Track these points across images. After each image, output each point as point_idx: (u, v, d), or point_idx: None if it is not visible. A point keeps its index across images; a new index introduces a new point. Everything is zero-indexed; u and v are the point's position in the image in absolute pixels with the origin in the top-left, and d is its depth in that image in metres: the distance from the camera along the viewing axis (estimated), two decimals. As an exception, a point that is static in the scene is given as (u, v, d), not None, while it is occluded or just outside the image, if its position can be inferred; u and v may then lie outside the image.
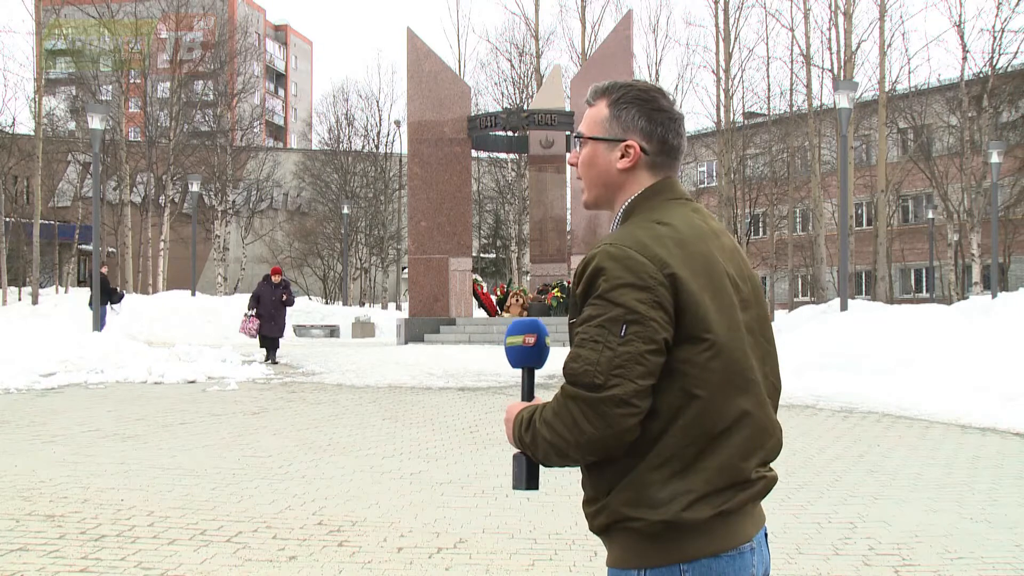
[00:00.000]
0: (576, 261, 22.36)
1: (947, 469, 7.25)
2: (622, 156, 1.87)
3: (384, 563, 4.69)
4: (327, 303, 42.10)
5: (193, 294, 29.96)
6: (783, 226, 41.56)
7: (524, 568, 4.65)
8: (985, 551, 4.95)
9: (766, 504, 1.90)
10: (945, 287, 38.33)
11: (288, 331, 18.54)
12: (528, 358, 1.91)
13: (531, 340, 1.88)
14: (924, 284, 43.50)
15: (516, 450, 1.87)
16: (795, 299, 40.74)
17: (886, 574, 4.58)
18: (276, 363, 16.75)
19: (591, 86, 1.95)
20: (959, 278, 36.25)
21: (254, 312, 16.87)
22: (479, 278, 25.84)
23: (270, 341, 17.07)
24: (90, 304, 20.06)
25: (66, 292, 35.96)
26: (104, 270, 21.14)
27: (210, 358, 15.38)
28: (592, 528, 1.86)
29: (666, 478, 1.74)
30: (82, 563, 4.62)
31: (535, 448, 1.79)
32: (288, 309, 17.67)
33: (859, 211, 44.12)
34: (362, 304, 45.67)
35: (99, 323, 19.67)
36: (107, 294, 20.34)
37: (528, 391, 1.93)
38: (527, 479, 1.87)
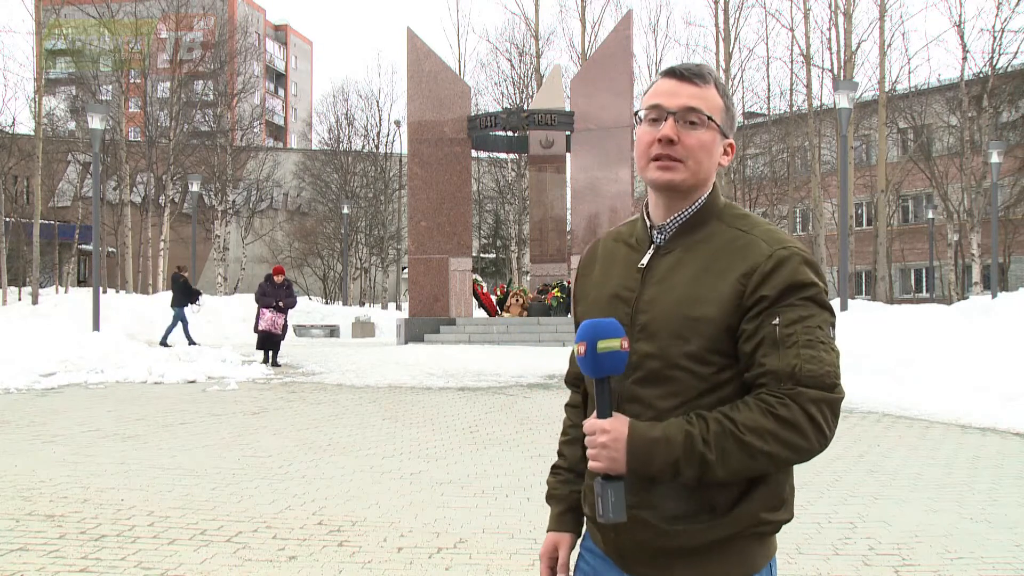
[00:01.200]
0: (576, 261, 22.37)
1: (947, 469, 7.25)
2: (724, 153, 1.81)
3: (384, 563, 4.69)
4: (327, 303, 42.12)
5: (193, 294, 29.93)
6: (783, 226, 41.58)
7: (524, 568, 4.65)
8: (985, 551, 4.95)
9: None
10: (945, 287, 38.34)
11: (288, 331, 18.15)
12: (619, 365, 1.64)
13: (581, 350, 1.63)
14: (924, 284, 43.51)
15: (600, 477, 1.64)
16: (795, 299, 40.70)
17: (886, 574, 4.58)
18: (279, 365, 16.31)
19: (695, 64, 1.80)
20: (959, 278, 36.26)
21: (274, 304, 16.22)
22: (479, 278, 25.85)
23: (273, 344, 16.55)
24: (172, 306, 20.87)
25: (66, 292, 35.95)
26: (186, 273, 21.65)
27: (210, 358, 15.38)
28: (676, 546, 1.70)
29: (788, 477, 1.76)
30: (82, 563, 4.61)
31: (726, 463, 1.61)
32: (290, 310, 17.08)
33: (859, 211, 44.13)
34: (362, 304, 45.69)
35: (185, 326, 20.48)
36: (188, 296, 20.84)
37: (603, 406, 1.65)
38: (625, 506, 1.63)
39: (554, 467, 2.01)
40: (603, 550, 1.85)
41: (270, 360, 16.34)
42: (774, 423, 1.61)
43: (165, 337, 20.04)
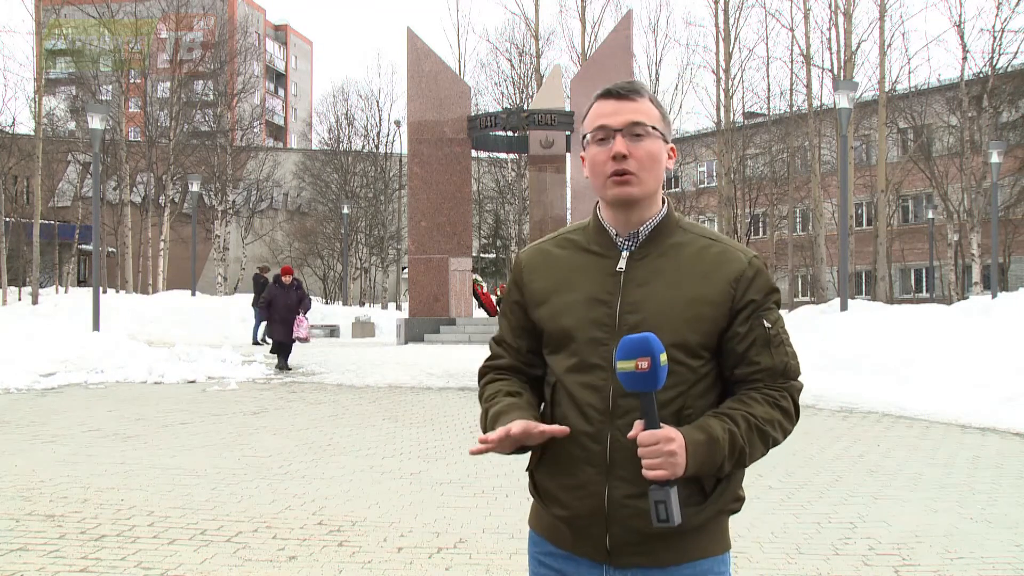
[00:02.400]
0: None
1: (947, 469, 7.25)
2: (668, 156, 1.93)
3: (384, 563, 4.69)
4: (327, 303, 42.12)
5: (193, 294, 29.99)
6: (783, 226, 41.56)
7: (524, 568, 4.63)
8: (985, 551, 4.95)
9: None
10: (945, 287, 38.34)
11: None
12: (643, 383, 1.69)
13: (644, 365, 1.67)
14: (924, 284, 43.51)
15: (655, 484, 1.70)
16: (795, 299, 40.75)
17: (886, 574, 4.58)
18: (290, 369, 15.47)
19: (627, 82, 1.92)
20: (959, 278, 36.25)
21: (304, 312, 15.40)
22: (479, 278, 25.87)
23: (285, 347, 15.61)
24: (253, 305, 22.51)
25: (66, 292, 35.94)
26: (267, 274, 22.45)
27: (210, 358, 15.36)
28: (670, 531, 1.76)
29: None
30: (82, 563, 4.61)
31: (753, 454, 1.81)
32: (307, 305, 16.00)
33: (859, 211, 44.13)
34: (362, 304, 45.68)
35: (258, 326, 21.73)
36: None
37: (654, 418, 1.71)
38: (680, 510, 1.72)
39: (508, 393, 1.93)
40: (572, 550, 1.87)
41: (283, 364, 15.52)
42: (780, 414, 1.85)
43: (255, 336, 21.64)
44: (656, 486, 1.70)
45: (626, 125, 1.86)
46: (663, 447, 1.69)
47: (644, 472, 1.70)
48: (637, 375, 1.67)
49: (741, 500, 1.91)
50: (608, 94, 1.89)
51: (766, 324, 1.85)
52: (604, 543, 1.83)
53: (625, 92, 1.88)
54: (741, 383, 1.86)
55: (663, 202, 1.93)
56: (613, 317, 1.84)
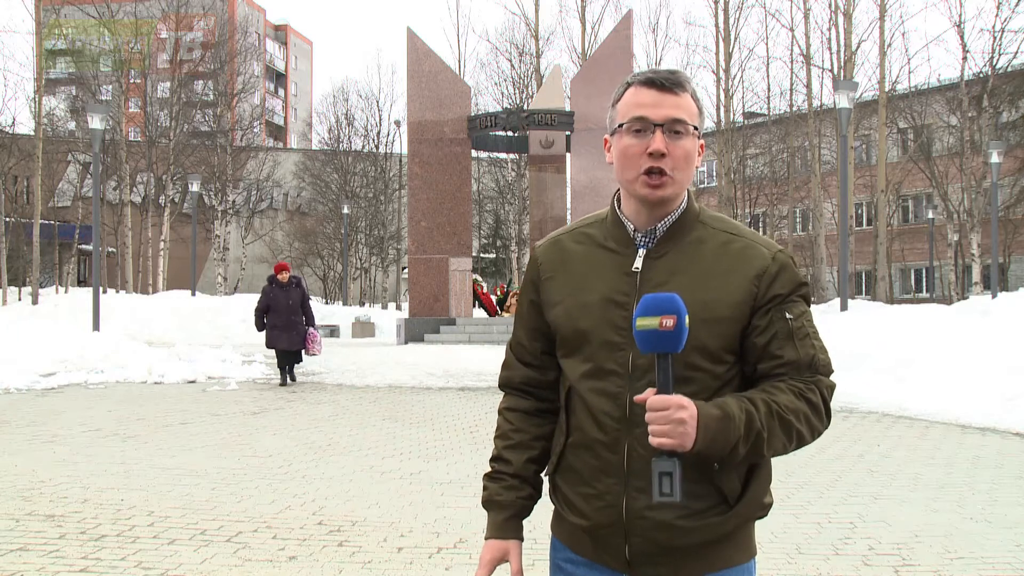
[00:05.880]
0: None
1: (947, 469, 7.24)
2: (698, 154, 1.83)
3: (384, 563, 4.69)
4: (327, 303, 42.12)
5: (193, 294, 30.00)
6: (783, 226, 41.57)
7: (524, 568, 4.64)
8: (985, 551, 4.95)
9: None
10: (945, 287, 38.35)
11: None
12: (665, 343, 1.59)
13: (669, 323, 1.57)
14: (924, 284, 43.51)
15: (665, 455, 1.59)
16: (795, 299, 40.68)
17: (886, 574, 4.58)
18: (295, 380, 13.92)
19: (671, 72, 1.80)
20: (959, 278, 36.26)
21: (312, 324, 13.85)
22: (479, 278, 25.88)
23: (291, 355, 13.79)
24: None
25: (66, 292, 35.93)
26: (481, 289, 23.84)
27: (210, 358, 15.36)
28: (693, 542, 1.73)
29: (771, 460, 1.82)
30: (82, 563, 4.61)
31: (771, 442, 1.67)
32: (310, 311, 14.01)
33: (859, 211, 44.13)
34: (362, 304, 45.68)
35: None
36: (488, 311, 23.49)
37: (668, 382, 1.61)
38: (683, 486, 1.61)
39: (495, 473, 1.94)
40: (592, 558, 1.83)
41: (288, 376, 13.85)
42: (807, 406, 1.72)
43: None
44: (663, 457, 1.59)
45: (667, 121, 1.74)
46: (673, 414, 1.57)
47: (650, 439, 1.59)
48: (661, 334, 1.57)
49: (768, 507, 1.82)
50: (651, 83, 1.77)
51: (788, 316, 1.73)
52: (624, 553, 1.76)
53: (669, 85, 1.76)
54: (764, 379, 1.74)
55: (686, 195, 1.84)
56: (629, 320, 1.71)
